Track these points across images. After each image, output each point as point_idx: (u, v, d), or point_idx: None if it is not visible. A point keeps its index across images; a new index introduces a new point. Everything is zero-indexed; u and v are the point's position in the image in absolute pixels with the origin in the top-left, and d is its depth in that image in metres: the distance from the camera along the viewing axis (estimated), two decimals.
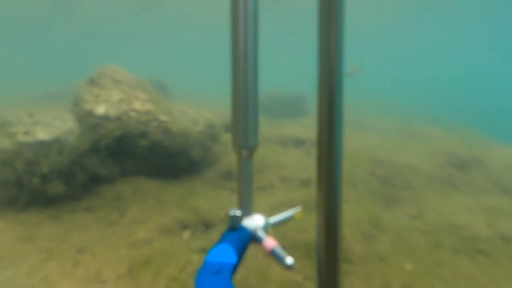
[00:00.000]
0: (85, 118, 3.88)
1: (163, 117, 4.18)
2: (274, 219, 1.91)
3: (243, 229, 1.50)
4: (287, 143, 5.70)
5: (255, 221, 1.61)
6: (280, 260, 1.37)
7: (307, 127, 7.59)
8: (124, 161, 4.05)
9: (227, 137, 5.67)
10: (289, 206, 3.67)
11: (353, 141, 6.01)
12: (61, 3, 19.33)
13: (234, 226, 1.50)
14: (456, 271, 2.69)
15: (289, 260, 1.36)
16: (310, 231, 2.99)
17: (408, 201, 4.01)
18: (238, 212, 1.55)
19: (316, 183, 0.96)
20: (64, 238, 2.94)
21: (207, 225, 3.31)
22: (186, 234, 3.15)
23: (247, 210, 1.67)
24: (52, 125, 3.68)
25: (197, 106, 5.29)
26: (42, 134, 3.48)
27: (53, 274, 2.37)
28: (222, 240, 1.43)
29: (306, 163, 4.79)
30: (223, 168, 4.70)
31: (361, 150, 5.46)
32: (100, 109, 3.90)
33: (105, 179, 3.86)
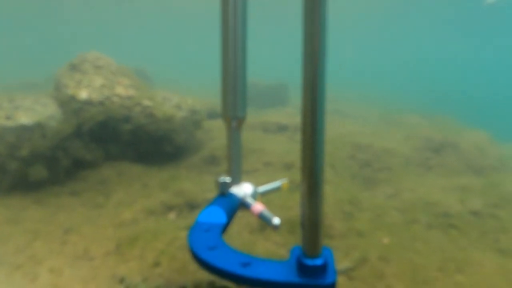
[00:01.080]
0: (68, 103, 3.86)
1: (146, 102, 4.20)
2: (263, 188, 2.01)
3: (232, 195, 1.59)
4: (270, 129, 5.80)
5: (243, 189, 1.70)
6: (267, 221, 1.46)
7: (289, 114, 7.71)
8: (108, 145, 4.06)
9: (210, 124, 5.72)
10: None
11: (334, 128, 6.16)
12: None
13: (224, 192, 1.59)
14: (429, 243, 2.85)
15: (276, 220, 1.46)
16: (294, 208, 3.10)
17: (386, 182, 4.18)
18: (227, 179, 1.63)
19: (300, 159, 1.03)
20: (50, 220, 2.95)
21: (192, 206, 3.38)
22: (172, 215, 3.21)
23: (236, 178, 1.76)
24: (33, 110, 3.65)
25: (180, 93, 5.31)
26: (24, 119, 3.45)
27: (41, 252, 2.40)
28: (212, 203, 1.51)
29: (289, 148, 4.90)
30: (207, 153, 4.76)
31: (342, 135, 5.61)
32: (83, 94, 3.89)
33: (89, 164, 3.87)
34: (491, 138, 5.62)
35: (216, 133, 5.59)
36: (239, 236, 2.65)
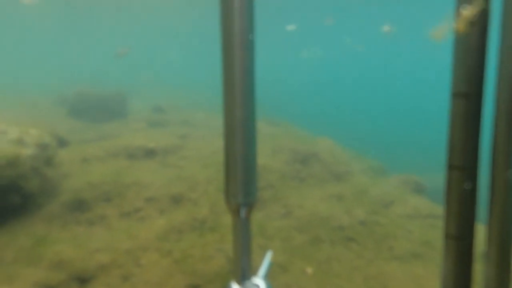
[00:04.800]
0: None
1: None
2: (262, 272, 1.68)
3: None
4: (135, 155, 5.13)
5: None
6: None
7: (146, 132, 7.06)
8: None
9: (63, 155, 4.66)
10: (176, 232, 3.33)
11: (206, 144, 5.95)
12: None
13: None
14: (341, 262, 3.06)
15: None
16: (216, 258, 2.81)
17: (273, 200, 4.29)
18: None
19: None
20: None
21: (82, 280, 2.64)
22: None
23: (246, 281, 1.40)
24: None
25: (17, 121, 4.12)
26: None
27: None
28: None
29: (167, 176, 4.44)
30: (68, 197, 3.84)
31: (215, 153, 5.47)
32: None
33: None
34: (334, 143, 6.54)
35: (68, 167, 4.56)
36: None
